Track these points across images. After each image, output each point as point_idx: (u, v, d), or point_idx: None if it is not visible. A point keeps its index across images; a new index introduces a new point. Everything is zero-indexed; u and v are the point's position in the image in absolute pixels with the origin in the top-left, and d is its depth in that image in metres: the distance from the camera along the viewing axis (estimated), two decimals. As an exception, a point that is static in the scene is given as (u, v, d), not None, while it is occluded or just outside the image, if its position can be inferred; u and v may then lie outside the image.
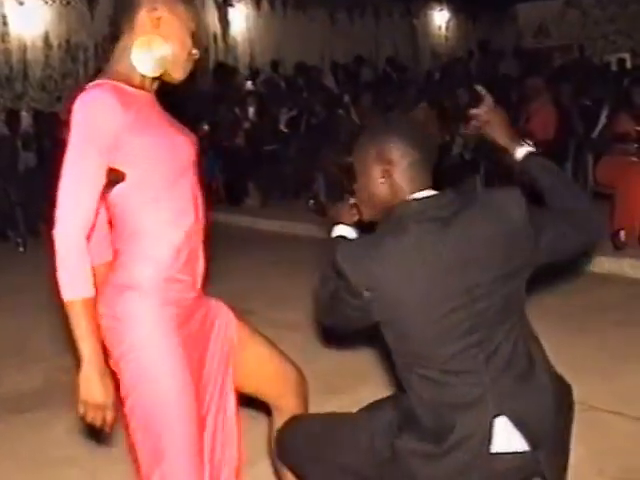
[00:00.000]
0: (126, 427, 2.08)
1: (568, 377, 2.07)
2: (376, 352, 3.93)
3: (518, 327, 1.96)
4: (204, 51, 13.15)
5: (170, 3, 2.06)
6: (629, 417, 3.43)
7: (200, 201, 2.13)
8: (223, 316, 2.29)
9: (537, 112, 8.06)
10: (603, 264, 5.90)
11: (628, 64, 16.93)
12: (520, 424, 1.90)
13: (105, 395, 1.95)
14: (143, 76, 2.06)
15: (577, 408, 2.06)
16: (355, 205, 2.18)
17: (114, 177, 1.98)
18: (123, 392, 2.05)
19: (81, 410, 1.97)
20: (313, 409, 2.49)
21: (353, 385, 3.86)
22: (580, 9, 19.81)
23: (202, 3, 12.67)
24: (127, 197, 2.01)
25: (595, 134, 7.18)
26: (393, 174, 2.00)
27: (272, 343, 2.40)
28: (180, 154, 2.06)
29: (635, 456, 3.13)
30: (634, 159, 6.20)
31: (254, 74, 13.93)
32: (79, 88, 2.00)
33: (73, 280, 1.92)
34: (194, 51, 2.10)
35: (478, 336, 1.90)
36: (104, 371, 1.96)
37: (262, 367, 2.35)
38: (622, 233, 6.07)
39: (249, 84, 13.67)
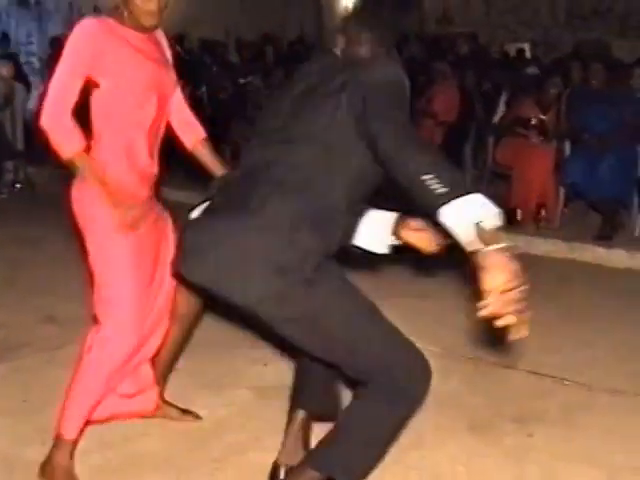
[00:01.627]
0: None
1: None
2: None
3: None
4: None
5: None
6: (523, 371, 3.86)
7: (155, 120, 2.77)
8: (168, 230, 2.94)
9: (441, 94, 8.49)
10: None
11: (527, 54, 17.67)
12: None
13: None
14: (131, 20, 2.67)
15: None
16: None
17: (92, 84, 2.64)
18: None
19: None
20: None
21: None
22: (484, -2, 20.51)
23: (108, -29, 12.55)
24: (100, 100, 2.66)
25: (496, 119, 7.62)
26: None
27: None
28: (146, 76, 2.68)
29: (526, 401, 3.54)
30: (534, 141, 6.68)
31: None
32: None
33: (67, 140, 2.59)
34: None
35: None
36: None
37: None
38: (519, 212, 6.55)
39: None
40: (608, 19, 19.47)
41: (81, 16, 2.89)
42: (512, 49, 18.75)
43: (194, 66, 13.14)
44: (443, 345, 4.09)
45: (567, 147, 6.59)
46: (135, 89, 2.66)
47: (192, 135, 3.02)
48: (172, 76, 2.86)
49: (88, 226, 2.71)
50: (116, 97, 2.65)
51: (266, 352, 3.95)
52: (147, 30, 2.72)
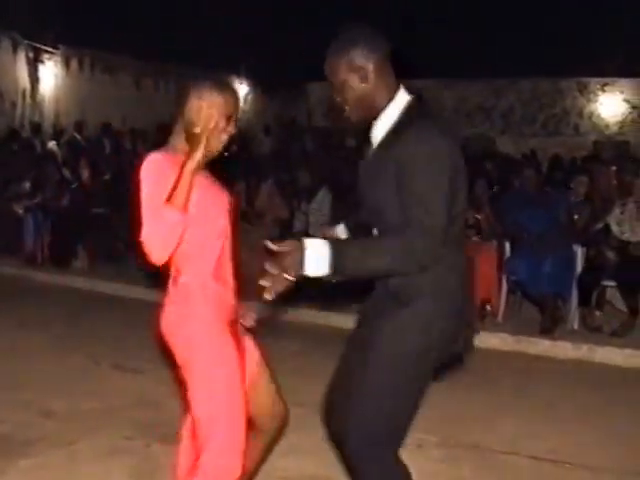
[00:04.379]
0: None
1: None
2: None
3: None
4: (11, 106, 13.31)
5: (209, 95, 2.86)
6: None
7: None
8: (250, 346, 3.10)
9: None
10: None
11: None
12: None
13: None
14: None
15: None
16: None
17: None
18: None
19: None
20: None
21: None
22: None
23: (14, 59, 12.80)
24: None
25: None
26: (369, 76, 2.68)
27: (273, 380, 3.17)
28: (217, 203, 2.95)
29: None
30: (474, 239, 7.36)
31: (58, 134, 14.17)
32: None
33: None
34: (229, 129, 2.91)
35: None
36: None
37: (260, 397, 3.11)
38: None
39: (52, 144, 13.89)
40: (492, 115, 21.08)
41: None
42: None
43: (93, 150, 13.47)
44: (442, 435, 4.57)
45: (507, 246, 7.29)
46: None
47: None
48: None
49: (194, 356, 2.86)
50: None
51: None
52: None
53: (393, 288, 2.72)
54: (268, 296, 2.47)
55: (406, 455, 4.03)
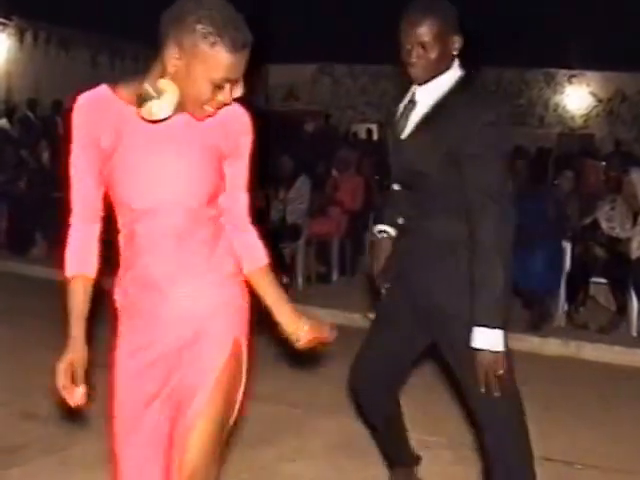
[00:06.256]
0: None
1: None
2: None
3: None
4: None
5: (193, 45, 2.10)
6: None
7: None
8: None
9: (346, 183, 9.14)
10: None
11: (375, 135, 18.83)
12: None
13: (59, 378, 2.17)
14: None
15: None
16: None
17: None
18: None
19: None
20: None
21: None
22: (332, 77, 21.67)
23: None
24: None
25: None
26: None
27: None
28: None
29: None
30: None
31: (10, 111, 13.85)
32: None
33: (70, 259, 2.29)
34: (220, 97, 2.18)
35: None
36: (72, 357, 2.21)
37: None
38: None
39: (3, 122, 13.58)
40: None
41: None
42: (361, 129, 19.95)
43: (47, 130, 13.22)
44: (448, 436, 4.55)
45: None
46: None
47: None
48: None
49: None
50: None
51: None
52: None
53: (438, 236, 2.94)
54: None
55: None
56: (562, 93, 20.57)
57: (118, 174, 2.23)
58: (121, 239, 2.34)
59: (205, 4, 2.10)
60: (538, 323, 6.84)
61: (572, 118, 20.49)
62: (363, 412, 3.51)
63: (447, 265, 2.90)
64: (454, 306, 2.89)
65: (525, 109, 20.56)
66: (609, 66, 18.94)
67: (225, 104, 2.21)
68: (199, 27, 2.07)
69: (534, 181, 7.66)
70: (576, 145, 17.81)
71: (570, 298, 7.04)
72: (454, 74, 2.92)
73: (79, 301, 2.29)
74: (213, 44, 2.08)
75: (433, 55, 2.84)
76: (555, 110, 20.63)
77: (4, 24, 13.60)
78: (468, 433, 4.65)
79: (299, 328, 2.42)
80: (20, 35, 14.38)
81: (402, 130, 2.98)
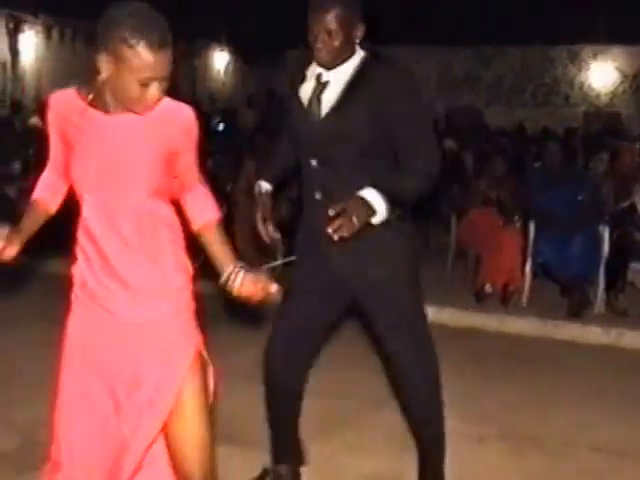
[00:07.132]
0: None
1: None
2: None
3: None
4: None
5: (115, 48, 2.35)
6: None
7: None
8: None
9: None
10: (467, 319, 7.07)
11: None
12: None
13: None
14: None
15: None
16: None
17: None
18: None
19: None
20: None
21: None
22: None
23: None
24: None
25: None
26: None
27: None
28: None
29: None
30: (496, 221, 7.46)
31: (41, 109, 13.99)
32: None
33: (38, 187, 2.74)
34: (149, 94, 2.40)
35: None
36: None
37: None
38: (487, 285, 7.28)
39: (35, 119, 13.71)
40: (479, 85, 21.16)
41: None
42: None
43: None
44: (498, 426, 4.70)
45: (531, 228, 7.39)
46: None
47: None
48: None
49: None
50: None
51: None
52: None
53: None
54: (335, 237, 2.88)
55: (469, 449, 4.25)
56: (587, 70, 20.47)
57: (75, 165, 2.52)
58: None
59: (126, 9, 2.37)
60: (577, 310, 6.92)
61: (597, 96, 20.41)
62: (268, 389, 3.56)
63: (377, 240, 3.18)
64: (390, 279, 3.27)
65: (550, 88, 20.51)
66: (637, 39, 18.75)
67: (157, 101, 2.44)
68: (120, 31, 2.32)
69: (565, 164, 7.67)
70: (602, 124, 17.73)
71: (609, 284, 7.12)
72: (359, 56, 3.20)
73: (31, 220, 2.73)
74: (132, 46, 2.32)
75: (337, 42, 3.09)
76: (581, 88, 20.54)
77: (31, 23, 13.71)
78: (514, 423, 4.81)
79: (233, 278, 2.59)
80: (47, 32, 14.52)
81: (316, 111, 3.21)
